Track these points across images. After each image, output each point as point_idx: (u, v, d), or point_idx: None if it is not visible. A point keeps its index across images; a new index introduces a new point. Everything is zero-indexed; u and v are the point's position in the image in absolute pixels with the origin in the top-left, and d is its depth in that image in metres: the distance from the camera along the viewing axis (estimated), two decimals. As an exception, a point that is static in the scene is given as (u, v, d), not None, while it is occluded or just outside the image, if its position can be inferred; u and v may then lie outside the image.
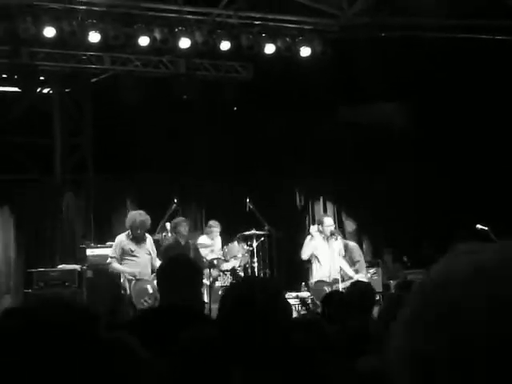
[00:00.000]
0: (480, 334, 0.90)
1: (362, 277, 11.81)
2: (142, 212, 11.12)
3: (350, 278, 11.64)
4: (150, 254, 11.06)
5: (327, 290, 11.02)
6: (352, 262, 12.27)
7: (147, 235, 11.29)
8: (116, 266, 11.02)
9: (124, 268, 10.94)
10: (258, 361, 2.77)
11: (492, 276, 0.93)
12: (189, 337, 3.12)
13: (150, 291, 10.71)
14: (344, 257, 12.16)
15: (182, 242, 11.75)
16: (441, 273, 0.99)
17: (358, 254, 12.40)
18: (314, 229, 11.96)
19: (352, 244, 12.57)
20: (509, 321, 0.89)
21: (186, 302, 4.58)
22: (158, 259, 11.14)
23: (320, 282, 11.63)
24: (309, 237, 11.89)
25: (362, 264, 12.49)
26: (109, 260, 11.13)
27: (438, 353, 0.92)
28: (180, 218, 12.03)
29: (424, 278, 1.02)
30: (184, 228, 11.85)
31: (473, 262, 0.97)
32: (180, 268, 4.84)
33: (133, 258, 10.92)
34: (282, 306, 2.96)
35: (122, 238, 11.09)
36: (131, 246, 10.94)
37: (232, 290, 3.18)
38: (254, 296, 2.88)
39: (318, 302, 11.12)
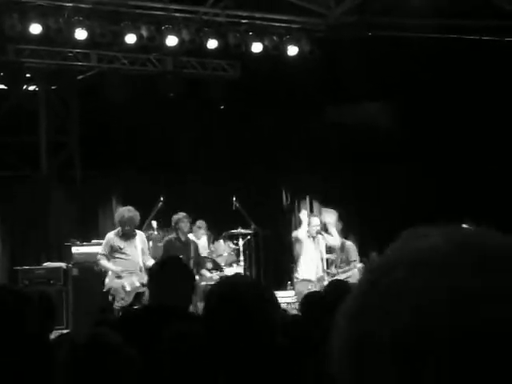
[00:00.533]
0: (428, 324, 0.88)
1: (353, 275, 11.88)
2: (130, 208, 11.07)
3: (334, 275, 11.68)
4: (140, 250, 10.97)
5: (312, 289, 11.00)
6: (347, 262, 12.29)
7: (139, 232, 11.25)
8: (103, 263, 11.00)
9: (110, 265, 10.91)
10: (243, 359, 2.77)
11: (443, 262, 0.92)
12: (173, 333, 3.11)
13: (128, 289, 10.69)
14: (340, 256, 12.20)
15: (183, 239, 11.68)
16: (387, 257, 0.98)
17: (354, 253, 12.40)
18: (303, 214, 12.02)
19: (348, 243, 12.55)
20: (450, 308, 0.88)
21: (176, 301, 4.58)
22: (150, 257, 11.10)
23: (305, 281, 11.61)
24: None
25: (358, 265, 12.51)
26: (98, 257, 11.10)
27: (382, 340, 0.90)
28: (181, 214, 11.88)
29: (372, 262, 1.00)
30: (185, 224, 11.74)
31: (418, 247, 0.95)
32: (171, 269, 4.84)
33: (121, 256, 10.88)
34: (270, 303, 2.96)
35: (111, 236, 11.06)
36: (120, 243, 10.90)
37: (218, 287, 3.17)
38: (239, 293, 2.88)
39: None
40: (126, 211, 11.01)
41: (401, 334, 0.89)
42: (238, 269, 12.91)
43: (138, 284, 10.69)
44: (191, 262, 11.38)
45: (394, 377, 0.89)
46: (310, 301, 6.49)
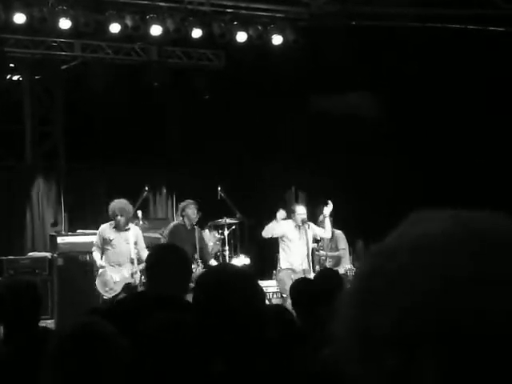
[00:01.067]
0: (427, 310, 0.88)
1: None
2: (123, 200, 11.05)
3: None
4: (133, 243, 10.90)
5: (294, 279, 10.97)
6: (336, 250, 12.35)
7: (133, 226, 11.21)
8: (94, 254, 11.01)
9: (97, 259, 10.90)
10: (237, 347, 2.78)
11: (443, 248, 0.92)
12: (156, 321, 3.11)
13: (117, 279, 10.69)
14: (329, 244, 12.25)
15: (188, 226, 11.65)
16: (391, 241, 0.98)
17: (343, 242, 12.45)
18: (280, 214, 11.93)
19: (338, 231, 12.60)
20: (459, 294, 0.88)
21: (172, 290, 4.56)
22: (146, 250, 11.04)
23: (288, 270, 11.56)
24: (274, 220, 11.86)
25: (346, 253, 12.55)
26: (92, 248, 11.09)
27: (383, 326, 0.91)
28: (189, 201, 11.84)
29: (376, 246, 1.00)
30: (192, 211, 11.69)
31: (423, 231, 0.96)
32: (168, 258, 4.82)
33: (108, 247, 10.86)
34: (257, 292, 2.97)
35: (103, 227, 11.05)
36: (111, 234, 10.85)
37: (206, 276, 3.18)
38: (225, 288, 2.89)
39: (283, 295, 11.12)
40: (118, 202, 10.99)
41: (401, 321, 0.89)
42: (245, 260, 13.00)
43: (127, 275, 10.70)
44: (197, 250, 11.39)
45: (392, 363, 0.90)
46: (299, 289, 6.50)
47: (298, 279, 7.71)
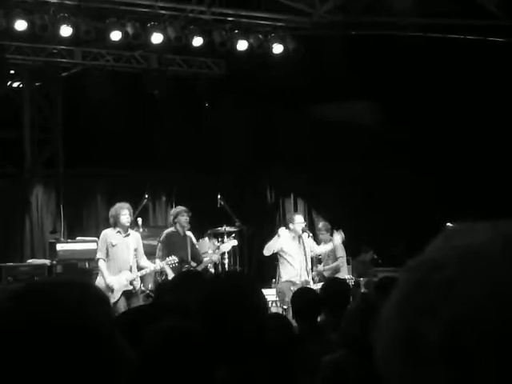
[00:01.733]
0: (478, 319, 0.89)
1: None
2: (122, 203, 11.03)
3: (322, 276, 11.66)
4: (133, 249, 10.88)
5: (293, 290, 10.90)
6: (335, 258, 12.30)
7: (133, 232, 11.19)
8: (100, 264, 10.81)
9: (104, 270, 10.72)
10: (239, 352, 2.78)
11: (490, 257, 0.92)
12: (160, 327, 3.10)
13: (116, 287, 10.66)
14: (328, 252, 12.20)
15: (181, 233, 11.60)
16: (434, 253, 0.98)
17: (341, 250, 12.38)
18: (282, 230, 11.81)
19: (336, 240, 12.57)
20: (497, 304, 0.88)
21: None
22: (145, 257, 11.05)
23: (288, 282, 11.45)
24: (276, 236, 11.72)
25: (344, 262, 12.50)
26: (97, 257, 10.97)
27: (431, 337, 0.91)
28: (181, 208, 11.80)
29: (417, 258, 1.00)
30: (185, 218, 11.67)
31: (467, 243, 0.96)
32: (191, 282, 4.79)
33: (112, 253, 10.79)
34: (262, 299, 2.98)
35: (106, 231, 10.95)
36: (114, 239, 10.80)
37: (217, 283, 3.19)
38: (240, 287, 2.90)
39: (283, 306, 11.05)
40: (117, 205, 10.99)
41: (451, 331, 0.89)
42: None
43: (125, 282, 10.67)
44: (189, 256, 11.40)
45: (442, 373, 0.90)
46: (302, 297, 6.49)
47: (300, 288, 7.72)
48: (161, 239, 11.74)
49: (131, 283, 10.68)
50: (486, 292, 0.90)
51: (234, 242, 13.01)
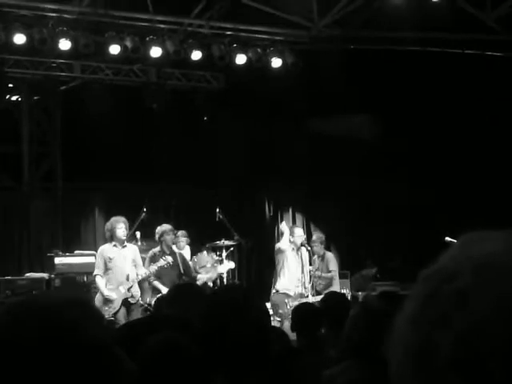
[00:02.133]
0: (490, 332, 0.88)
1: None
2: (117, 217, 11.08)
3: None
4: (131, 261, 10.92)
5: (289, 303, 10.87)
6: (327, 271, 12.29)
7: (130, 244, 11.23)
8: (98, 281, 10.90)
9: (102, 287, 10.78)
10: (237, 363, 2.77)
11: (501, 269, 0.91)
12: (154, 340, 3.09)
13: (114, 297, 10.68)
14: (320, 266, 12.19)
15: (167, 251, 11.53)
16: (447, 263, 0.97)
17: (333, 264, 12.38)
18: (283, 225, 11.89)
19: (329, 254, 12.58)
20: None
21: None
22: (142, 267, 11.09)
23: (282, 294, 11.44)
24: (284, 234, 11.82)
25: (337, 276, 12.48)
26: (94, 274, 11.01)
27: (443, 349, 0.90)
28: (166, 226, 11.75)
29: (429, 268, 0.99)
30: (170, 237, 11.63)
31: (482, 252, 0.95)
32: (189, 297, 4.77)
33: (109, 266, 10.85)
34: (262, 312, 2.97)
35: (103, 247, 11.06)
36: (111, 253, 10.85)
37: (217, 296, 3.18)
38: (246, 303, 2.89)
39: (277, 318, 11.02)
40: (113, 219, 11.05)
41: (462, 342, 0.88)
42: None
43: (123, 291, 10.70)
44: (182, 272, 11.39)
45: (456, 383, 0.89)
46: (302, 311, 6.49)
47: (302, 303, 7.70)
48: (148, 256, 11.65)
49: (129, 290, 10.73)
50: (493, 305, 0.89)
51: (232, 265, 13.06)
